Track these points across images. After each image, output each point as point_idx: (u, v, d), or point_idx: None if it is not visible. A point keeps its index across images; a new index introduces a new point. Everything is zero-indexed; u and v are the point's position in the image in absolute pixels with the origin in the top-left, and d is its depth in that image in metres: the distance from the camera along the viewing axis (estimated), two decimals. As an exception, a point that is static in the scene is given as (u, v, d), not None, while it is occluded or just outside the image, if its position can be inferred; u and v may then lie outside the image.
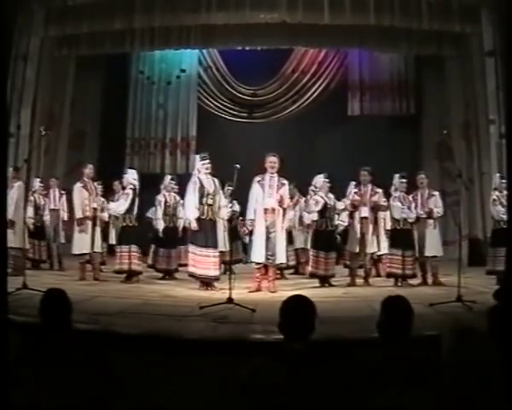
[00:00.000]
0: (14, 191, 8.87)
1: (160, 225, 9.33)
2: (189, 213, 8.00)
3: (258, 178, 8.04)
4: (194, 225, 7.84)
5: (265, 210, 7.91)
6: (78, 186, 8.92)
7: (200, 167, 8.00)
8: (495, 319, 2.70)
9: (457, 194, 9.47)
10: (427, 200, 8.72)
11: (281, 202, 7.94)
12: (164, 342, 4.61)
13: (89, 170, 8.99)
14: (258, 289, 7.85)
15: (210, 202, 7.89)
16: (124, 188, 8.95)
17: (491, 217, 8.73)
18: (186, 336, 4.82)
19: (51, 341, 2.77)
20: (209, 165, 7.97)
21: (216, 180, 8.06)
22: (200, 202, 7.88)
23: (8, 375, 2.62)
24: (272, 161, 7.99)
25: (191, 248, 7.92)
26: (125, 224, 8.78)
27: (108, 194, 9.71)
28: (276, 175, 8.03)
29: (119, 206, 8.71)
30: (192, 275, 7.98)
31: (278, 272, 9.85)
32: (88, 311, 5.37)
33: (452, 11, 11.26)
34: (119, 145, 14.35)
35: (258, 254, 7.91)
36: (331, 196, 8.72)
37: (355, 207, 8.69)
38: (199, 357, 4.29)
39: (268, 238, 7.86)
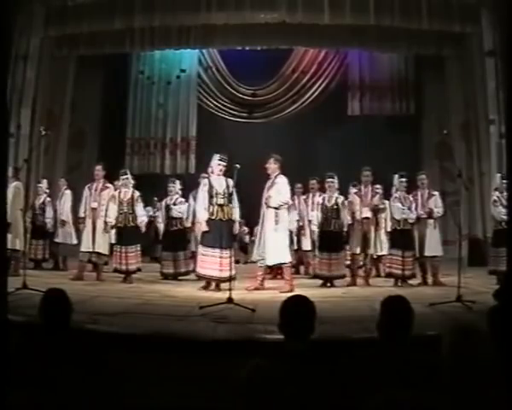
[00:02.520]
0: (10, 192, 8.89)
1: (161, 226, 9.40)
2: (199, 215, 8.05)
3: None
4: (203, 227, 7.83)
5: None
6: (86, 186, 9.11)
7: (215, 167, 7.94)
8: (495, 319, 2.70)
9: (457, 194, 9.47)
10: (428, 200, 8.73)
11: (266, 201, 7.92)
12: (164, 342, 4.61)
13: (96, 171, 9.03)
14: (258, 288, 7.85)
15: (220, 201, 7.82)
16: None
17: (492, 217, 8.73)
18: (186, 336, 4.82)
19: (51, 341, 2.77)
20: (224, 167, 7.88)
21: (230, 181, 7.79)
22: (210, 203, 7.85)
23: (8, 375, 2.62)
24: (267, 162, 8.06)
25: (199, 248, 7.95)
26: (123, 224, 8.78)
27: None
28: (273, 176, 8.02)
29: (144, 217, 8.96)
30: (198, 275, 8.01)
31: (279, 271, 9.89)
32: (88, 311, 5.37)
33: (452, 11, 11.27)
34: (119, 145, 14.36)
35: (254, 254, 8.15)
36: (334, 195, 8.71)
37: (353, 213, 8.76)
38: (199, 357, 4.29)
39: (260, 239, 8.00)
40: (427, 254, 8.60)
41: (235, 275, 7.74)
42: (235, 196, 7.95)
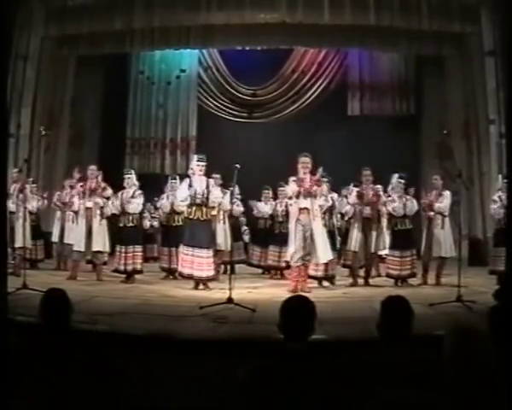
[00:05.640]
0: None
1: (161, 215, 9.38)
2: (177, 200, 8.22)
3: (293, 178, 7.89)
4: (182, 208, 8.04)
5: (300, 210, 7.77)
6: (78, 184, 9.11)
7: (195, 168, 7.98)
8: (495, 319, 2.70)
9: (457, 194, 9.47)
10: (436, 199, 8.69)
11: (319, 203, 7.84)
12: (164, 342, 4.61)
13: (90, 170, 9.00)
14: (296, 290, 7.51)
15: (198, 201, 7.82)
16: (124, 187, 8.92)
17: (491, 217, 8.73)
18: (186, 336, 4.82)
19: (51, 341, 2.77)
20: (203, 167, 7.92)
21: (211, 181, 8.02)
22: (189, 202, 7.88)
23: (8, 375, 2.62)
24: (305, 161, 7.84)
25: (181, 247, 7.99)
26: (123, 224, 8.75)
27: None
28: (308, 175, 7.84)
29: (139, 206, 8.77)
30: (180, 274, 8.07)
31: (278, 272, 9.89)
32: (88, 311, 5.36)
33: (452, 11, 11.28)
34: (119, 145, 14.37)
35: (294, 255, 7.78)
36: (333, 195, 8.72)
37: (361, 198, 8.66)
38: (199, 357, 4.29)
39: (304, 238, 7.73)
40: (434, 254, 8.56)
41: (215, 276, 7.88)
42: (217, 192, 8.01)
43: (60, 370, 2.63)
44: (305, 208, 7.74)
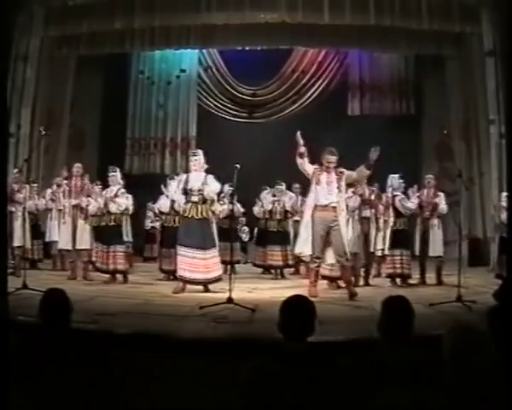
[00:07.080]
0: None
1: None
2: (175, 197, 7.84)
3: (315, 166, 7.50)
4: (180, 208, 7.60)
5: (325, 207, 7.23)
6: (64, 182, 9.26)
7: (190, 164, 7.77)
8: (495, 319, 2.70)
9: (457, 194, 9.48)
10: (433, 199, 8.74)
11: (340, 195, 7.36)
12: (164, 342, 4.61)
13: (76, 168, 8.97)
14: (316, 295, 6.62)
15: (194, 199, 7.46)
16: (108, 186, 8.82)
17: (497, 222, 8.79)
18: (186, 336, 4.82)
19: (51, 341, 2.77)
20: (196, 162, 7.56)
21: (210, 176, 7.58)
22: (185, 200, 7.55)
23: (8, 375, 2.62)
24: (331, 160, 7.47)
25: (177, 247, 7.56)
26: (105, 223, 8.56)
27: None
28: (332, 170, 7.49)
29: (121, 206, 8.59)
30: (180, 278, 7.55)
31: (278, 271, 9.89)
32: (88, 311, 5.37)
33: (452, 11, 11.28)
34: (119, 145, 14.37)
35: (314, 259, 7.23)
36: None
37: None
38: (199, 357, 4.29)
39: (330, 235, 7.18)
40: (431, 254, 8.60)
41: (217, 278, 7.49)
42: (212, 190, 7.54)
43: (60, 370, 2.63)
44: (329, 205, 7.24)
